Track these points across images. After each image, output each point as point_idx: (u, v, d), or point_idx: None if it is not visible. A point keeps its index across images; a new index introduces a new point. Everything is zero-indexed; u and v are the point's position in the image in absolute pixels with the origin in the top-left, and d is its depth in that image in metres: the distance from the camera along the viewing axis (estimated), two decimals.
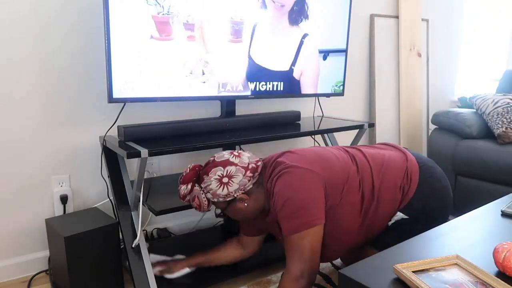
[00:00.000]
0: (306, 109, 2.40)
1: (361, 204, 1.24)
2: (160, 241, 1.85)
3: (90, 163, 1.75)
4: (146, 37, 1.51)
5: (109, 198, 1.78)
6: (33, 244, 1.67)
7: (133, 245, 1.48)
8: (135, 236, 1.51)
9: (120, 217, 1.54)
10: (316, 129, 1.89)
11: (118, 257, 1.52)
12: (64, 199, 1.69)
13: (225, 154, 1.27)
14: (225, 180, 1.20)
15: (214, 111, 2.04)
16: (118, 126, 1.57)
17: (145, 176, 1.84)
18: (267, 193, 1.25)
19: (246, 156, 1.27)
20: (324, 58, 2.07)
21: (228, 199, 1.24)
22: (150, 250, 1.57)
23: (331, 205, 1.21)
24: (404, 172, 1.29)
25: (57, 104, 1.64)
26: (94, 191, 1.78)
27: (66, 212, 1.69)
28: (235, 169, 1.21)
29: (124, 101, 1.53)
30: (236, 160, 1.23)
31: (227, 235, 1.93)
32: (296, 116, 2.08)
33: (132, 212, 1.56)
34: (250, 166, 1.24)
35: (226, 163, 1.22)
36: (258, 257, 1.71)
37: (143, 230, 1.88)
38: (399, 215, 1.35)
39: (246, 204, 1.26)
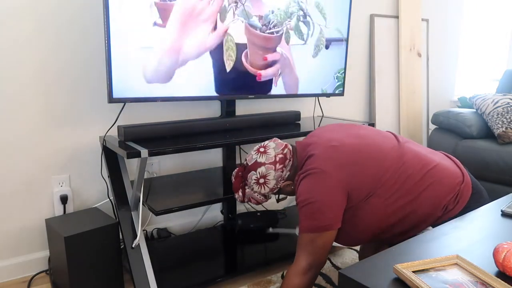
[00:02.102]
0: (306, 109, 2.40)
1: (389, 209, 1.21)
2: (160, 241, 1.85)
3: (90, 163, 1.75)
4: (149, 24, 1.51)
5: (109, 198, 1.78)
6: (33, 244, 1.67)
7: (133, 245, 1.48)
8: (135, 236, 1.51)
9: (120, 217, 1.54)
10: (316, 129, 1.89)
11: (118, 257, 1.52)
12: (64, 199, 1.69)
13: (253, 155, 1.33)
14: (261, 181, 1.30)
15: (214, 111, 2.04)
16: (118, 126, 1.57)
17: (145, 176, 1.84)
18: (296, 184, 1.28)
19: (272, 148, 1.32)
20: (327, 47, 2.06)
21: (275, 191, 1.34)
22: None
23: (354, 204, 1.21)
24: (455, 193, 1.25)
25: (57, 104, 1.64)
26: (94, 191, 1.78)
27: (66, 212, 1.69)
28: (265, 169, 1.29)
29: (124, 101, 1.53)
30: (263, 159, 1.30)
31: (227, 235, 1.93)
32: (296, 116, 2.08)
33: (132, 212, 1.56)
34: (277, 159, 1.30)
35: (255, 165, 1.30)
36: (258, 257, 1.71)
37: (143, 230, 1.88)
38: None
39: (292, 187, 1.33)
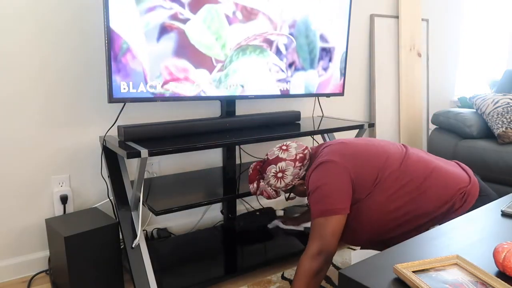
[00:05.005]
0: (306, 109, 2.40)
1: (392, 205, 1.26)
2: (160, 241, 1.85)
3: (90, 163, 1.75)
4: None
5: (109, 198, 1.78)
6: (33, 244, 1.67)
7: (133, 245, 1.48)
8: (135, 236, 1.51)
9: (120, 217, 1.54)
10: (316, 129, 1.89)
11: (118, 257, 1.52)
12: (64, 199, 1.69)
13: (275, 151, 1.44)
14: (279, 175, 1.39)
15: (214, 111, 2.04)
16: (118, 126, 1.57)
17: (145, 176, 1.84)
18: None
19: (293, 147, 1.43)
20: (330, 60, 2.07)
21: (288, 188, 1.43)
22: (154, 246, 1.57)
23: (357, 199, 1.28)
24: (461, 193, 1.29)
25: (57, 104, 1.64)
26: (94, 191, 1.78)
27: (66, 212, 1.69)
28: (285, 164, 1.39)
29: (124, 101, 1.53)
30: (284, 155, 1.41)
31: (227, 235, 1.93)
32: (296, 116, 2.08)
33: (132, 212, 1.56)
34: (297, 157, 1.40)
35: (277, 160, 1.41)
36: (258, 257, 1.71)
37: (143, 230, 1.88)
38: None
39: (304, 187, 1.41)
